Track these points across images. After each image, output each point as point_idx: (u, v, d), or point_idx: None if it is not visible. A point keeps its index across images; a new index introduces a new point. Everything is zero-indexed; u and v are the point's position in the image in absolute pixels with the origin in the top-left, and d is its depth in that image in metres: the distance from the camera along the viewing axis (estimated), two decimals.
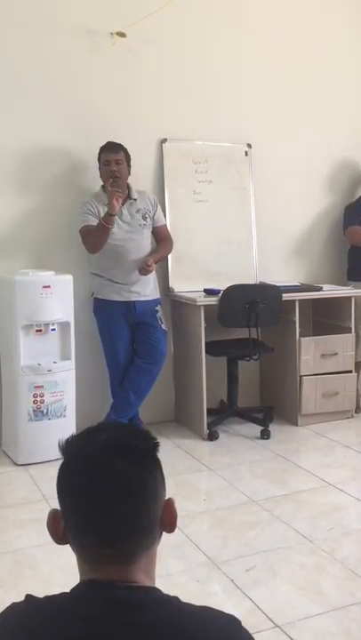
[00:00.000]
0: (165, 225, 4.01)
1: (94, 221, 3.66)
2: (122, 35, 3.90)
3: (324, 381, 4.18)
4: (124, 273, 3.75)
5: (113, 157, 3.70)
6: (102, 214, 3.67)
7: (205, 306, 3.91)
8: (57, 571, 2.43)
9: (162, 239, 3.97)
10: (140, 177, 3.85)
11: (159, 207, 3.95)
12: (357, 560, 2.52)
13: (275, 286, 4.06)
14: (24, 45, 3.78)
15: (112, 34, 3.93)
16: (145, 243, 3.83)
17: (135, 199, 3.82)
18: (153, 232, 3.92)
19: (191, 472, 3.48)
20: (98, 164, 3.77)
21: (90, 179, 3.91)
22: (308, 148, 4.62)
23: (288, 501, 3.08)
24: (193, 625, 0.94)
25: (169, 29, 4.11)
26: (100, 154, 3.75)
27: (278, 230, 4.55)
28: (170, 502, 1.05)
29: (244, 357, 4.07)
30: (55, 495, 1.03)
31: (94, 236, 3.65)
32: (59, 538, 1.03)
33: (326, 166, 4.71)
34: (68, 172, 3.95)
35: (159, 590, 1.00)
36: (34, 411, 3.53)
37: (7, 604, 1.03)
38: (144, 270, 3.72)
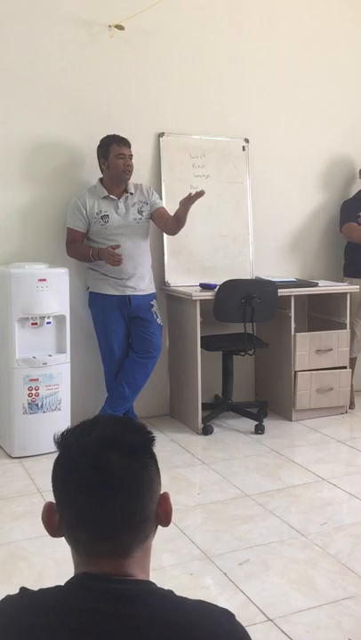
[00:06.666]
0: (164, 208, 3.91)
1: (82, 228, 3.74)
2: (120, 27, 3.89)
3: (319, 377, 4.19)
4: (118, 267, 3.73)
5: (128, 152, 3.72)
6: (94, 210, 3.70)
7: (201, 300, 3.91)
8: (51, 563, 2.44)
9: (168, 217, 3.84)
10: (136, 171, 3.83)
11: (155, 193, 3.90)
12: (350, 554, 2.54)
13: (271, 281, 4.06)
14: (22, 37, 3.76)
15: (110, 26, 3.91)
16: (140, 237, 3.81)
17: (132, 193, 3.81)
18: (154, 216, 3.85)
19: (185, 466, 3.49)
20: (100, 155, 3.73)
21: (87, 171, 3.91)
22: (305, 144, 4.62)
23: (281, 496, 3.09)
24: (187, 618, 0.95)
25: (167, 22, 4.09)
26: (109, 146, 3.70)
27: (275, 225, 4.56)
28: (165, 496, 1.05)
29: (240, 352, 4.08)
30: (49, 488, 1.04)
31: (78, 254, 3.78)
32: (53, 531, 1.04)
33: (323, 162, 4.71)
34: (66, 165, 3.93)
35: (153, 584, 1.00)
36: (29, 404, 3.53)
37: (1, 597, 1.03)
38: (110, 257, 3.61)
